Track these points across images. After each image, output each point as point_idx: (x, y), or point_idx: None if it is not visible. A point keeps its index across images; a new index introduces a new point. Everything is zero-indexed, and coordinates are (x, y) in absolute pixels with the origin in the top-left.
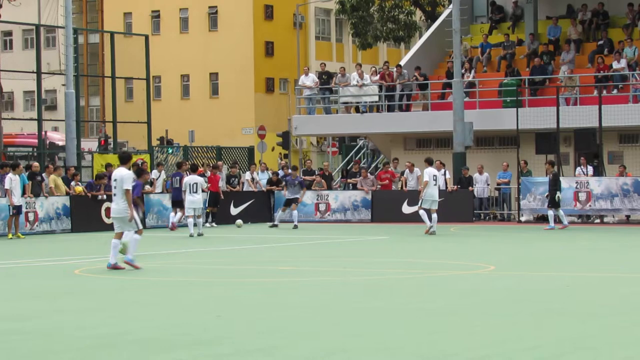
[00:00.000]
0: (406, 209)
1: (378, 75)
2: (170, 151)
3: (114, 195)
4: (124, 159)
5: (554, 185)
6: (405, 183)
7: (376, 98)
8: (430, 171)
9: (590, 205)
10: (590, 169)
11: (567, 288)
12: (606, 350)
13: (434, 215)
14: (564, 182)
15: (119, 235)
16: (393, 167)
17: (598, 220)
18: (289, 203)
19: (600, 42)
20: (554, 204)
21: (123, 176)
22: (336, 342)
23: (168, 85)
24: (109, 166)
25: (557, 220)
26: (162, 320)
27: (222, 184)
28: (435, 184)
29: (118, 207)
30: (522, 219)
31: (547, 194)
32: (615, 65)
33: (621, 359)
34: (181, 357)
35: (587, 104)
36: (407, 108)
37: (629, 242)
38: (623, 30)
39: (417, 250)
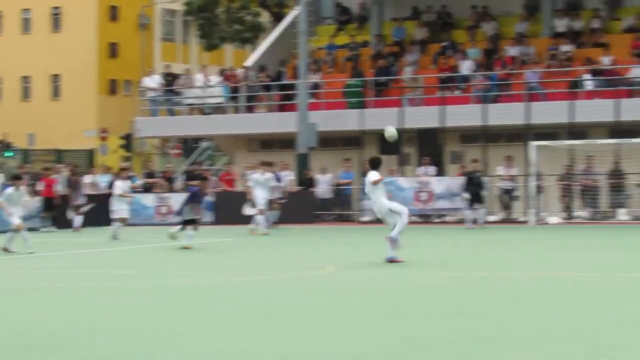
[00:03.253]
0: (249, 210)
1: (223, 77)
2: (8, 154)
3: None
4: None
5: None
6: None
7: (221, 99)
8: (255, 176)
9: (431, 205)
10: (432, 168)
11: (410, 287)
12: (440, 349)
13: (271, 213)
14: (405, 182)
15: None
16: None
17: (438, 220)
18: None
19: (445, 44)
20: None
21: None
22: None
23: (8, 87)
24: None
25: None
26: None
27: (61, 187)
28: (262, 187)
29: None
30: (365, 219)
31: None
32: (459, 66)
33: (454, 356)
34: None
35: (430, 105)
36: (252, 109)
37: (468, 241)
38: (467, 32)
39: (259, 251)
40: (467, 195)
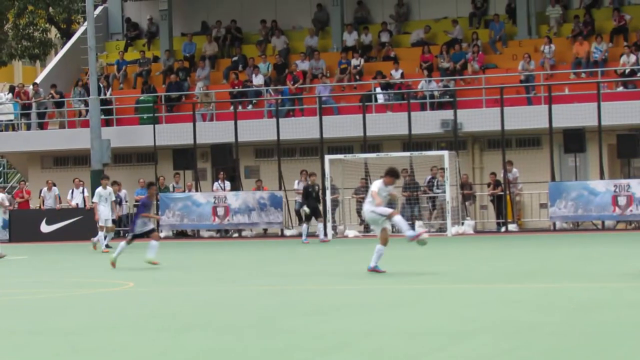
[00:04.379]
0: (45, 227)
1: (12, 93)
2: None
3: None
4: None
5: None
6: (43, 202)
7: (12, 116)
8: (99, 191)
9: (228, 220)
10: (227, 183)
11: (205, 303)
12: None
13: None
14: (201, 197)
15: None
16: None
17: (236, 235)
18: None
19: (235, 58)
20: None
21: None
22: None
23: None
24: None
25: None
26: None
27: None
28: (106, 202)
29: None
30: (162, 234)
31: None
32: (250, 80)
33: None
34: None
35: (223, 120)
36: (44, 126)
37: (266, 256)
38: (257, 47)
39: (58, 269)
40: (306, 210)
